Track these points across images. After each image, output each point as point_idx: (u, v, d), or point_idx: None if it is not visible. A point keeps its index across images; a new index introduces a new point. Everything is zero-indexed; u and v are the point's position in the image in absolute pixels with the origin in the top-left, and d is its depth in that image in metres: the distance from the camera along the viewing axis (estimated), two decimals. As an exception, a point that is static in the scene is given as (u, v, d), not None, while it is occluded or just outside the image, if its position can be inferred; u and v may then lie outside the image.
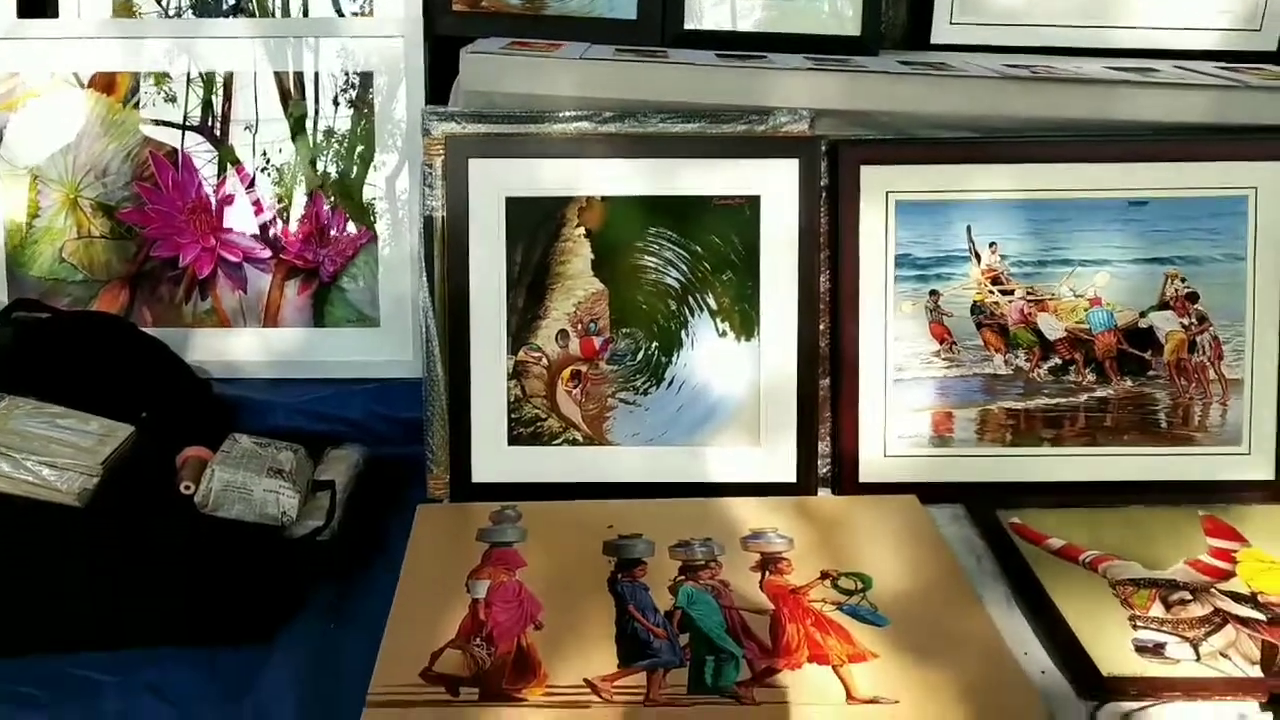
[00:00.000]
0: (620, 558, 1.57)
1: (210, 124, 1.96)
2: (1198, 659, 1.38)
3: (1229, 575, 1.54)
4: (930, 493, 1.74)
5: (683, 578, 1.53)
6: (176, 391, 1.81)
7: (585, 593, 1.50)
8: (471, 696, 1.31)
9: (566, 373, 1.79)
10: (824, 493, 1.79)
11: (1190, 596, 1.49)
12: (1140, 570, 1.55)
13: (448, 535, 1.65)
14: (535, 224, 1.77)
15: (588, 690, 1.32)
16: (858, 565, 1.56)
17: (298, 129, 1.96)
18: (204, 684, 1.37)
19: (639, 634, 1.42)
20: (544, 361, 1.79)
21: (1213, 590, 1.51)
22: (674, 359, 1.79)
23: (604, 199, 1.77)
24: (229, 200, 1.97)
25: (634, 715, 1.28)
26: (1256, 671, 1.36)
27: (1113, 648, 1.39)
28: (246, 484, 1.56)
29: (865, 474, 1.78)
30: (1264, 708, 1.30)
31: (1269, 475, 1.77)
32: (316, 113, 1.96)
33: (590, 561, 1.57)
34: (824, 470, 1.80)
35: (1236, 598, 1.49)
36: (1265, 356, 1.77)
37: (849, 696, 1.31)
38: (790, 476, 1.78)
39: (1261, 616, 1.45)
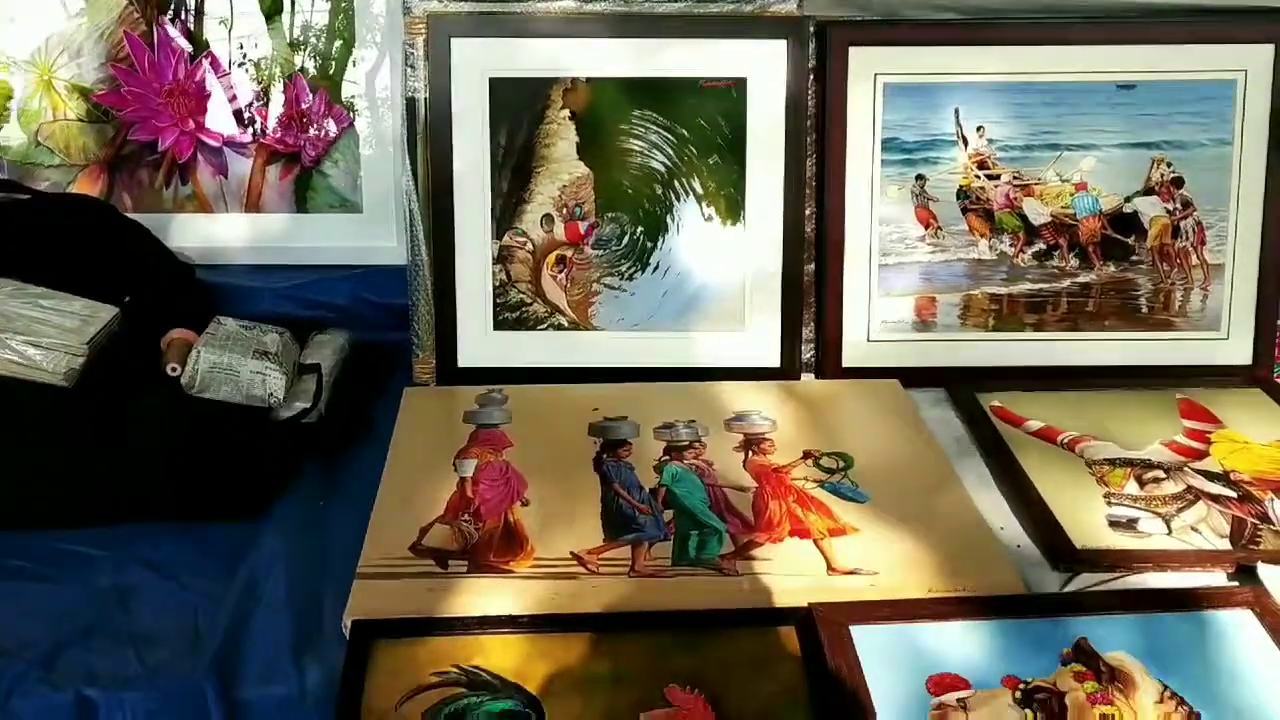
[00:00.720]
0: (605, 439, 1.59)
1: (184, 16, 1.91)
2: (1169, 533, 1.41)
3: (1203, 455, 1.57)
4: (913, 377, 1.76)
5: (667, 458, 1.55)
6: (158, 276, 1.80)
7: (571, 472, 1.52)
8: (460, 569, 1.33)
9: (551, 257, 1.79)
10: (807, 378, 1.80)
11: (1164, 475, 1.52)
12: (1117, 450, 1.58)
13: (434, 417, 1.66)
14: (519, 106, 1.75)
15: (574, 562, 1.34)
16: (840, 446, 1.58)
17: (274, 20, 1.91)
18: (196, 558, 1.39)
19: (624, 510, 1.44)
20: (529, 246, 1.79)
21: (1186, 469, 1.54)
22: (659, 244, 1.79)
23: (589, 80, 1.75)
24: (206, 90, 1.93)
25: (618, 586, 1.31)
26: (1225, 545, 1.40)
27: (1087, 523, 1.42)
28: (233, 365, 1.56)
29: (849, 359, 1.79)
30: (1231, 578, 1.33)
31: (1246, 360, 1.79)
32: (294, 7, 1.90)
33: (576, 443, 1.58)
34: (807, 356, 1.81)
35: (1209, 476, 1.52)
36: (1247, 242, 1.78)
37: (829, 568, 1.35)
38: (774, 361, 1.79)
39: (1232, 494, 1.49)
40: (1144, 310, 1.79)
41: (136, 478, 1.42)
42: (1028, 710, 1.13)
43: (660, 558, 1.36)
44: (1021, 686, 1.16)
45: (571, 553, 1.36)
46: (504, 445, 1.57)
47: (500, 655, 1.19)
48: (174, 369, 1.57)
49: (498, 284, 1.77)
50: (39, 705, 1.15)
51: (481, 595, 1.28)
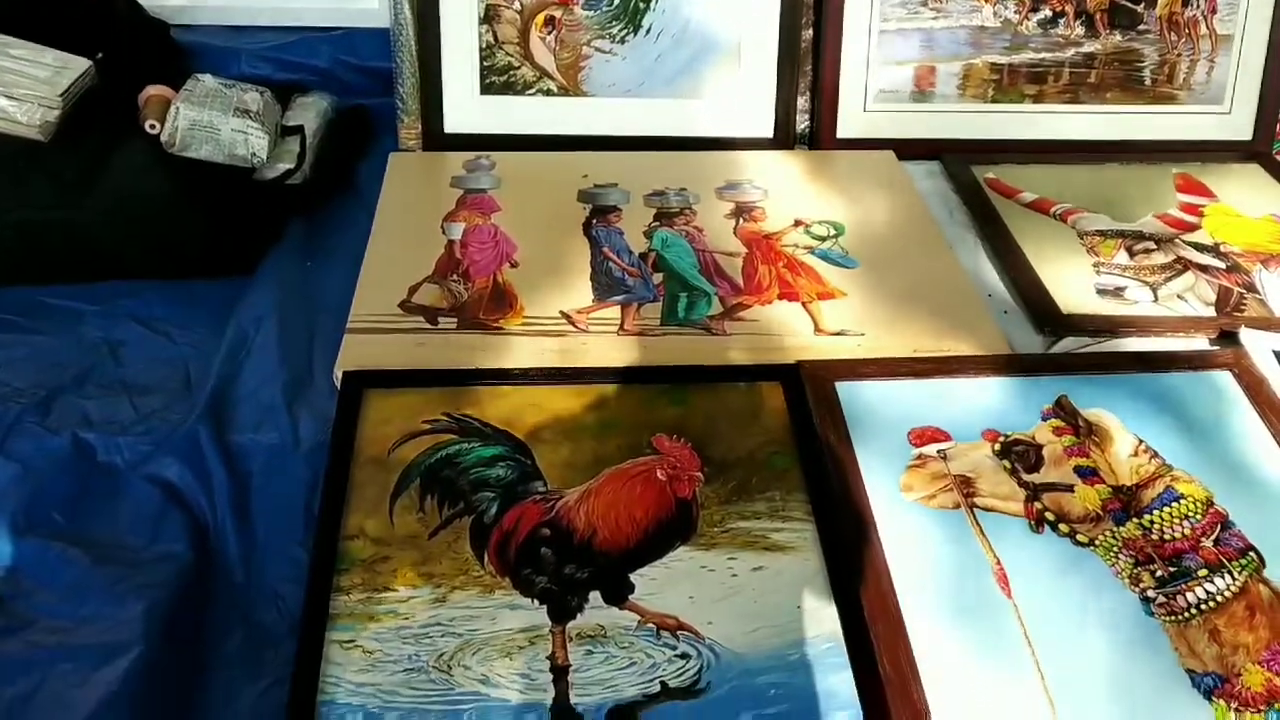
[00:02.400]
0: (595, 204, 1.57)
1: None
2: (1155, 300, 1.42)
3: (1195, 228, 1.57)
4: (908, 149, 1.73)
5: (657, 224, 1.54)
6: (132, 32, 1.73)
7: (560, 236, 1.51)
8: (450, 325, 1.33)
9: (540, 18, 1.72)
10: (801, 149, 1.77)
11: (1155, 246, 1.52)
12: (1109, 222, 1.57)
13: (421, 181, 1.64)
14: None
15: (563, 321, 1.35)
16: (831, 215, 1.57)
17: None
18: (185, 314, 1.39)
19: (613, 273, 1.44)
20: (516, 5, 1.71)
21: (1178, 241, 1.53)
22: (653, 5, 1.72)
23: None
24: None
25: (607, 344, 1.32)
26: (1210, 313, 1.41)
27: (1075, 290, 1.43)
28: (213, 123, 1.52)
29: (844, 129, 1.76)
30: (1213, 343, 1.34)
31: (1247, 135, 1.76)
32: None
33: (565, 208, 1.57)
34: (802, 127, 1.77)
35: (1199, 248, 1.52)
36: (1259, 13, 1.72)
37: (817, 329, 1.35)
38: (768, 131, 1.75)
39: (1221, 264, 1.49)
40: (1147, 83, 1.75)
41: (119, 231, 1.40)
42: (1005, 461, 1.16)
43: (649, 318, 1.36)
44: (1001, 439, 1.18)
45: (561, 312, 1.36)
46: (492, 210, 1.56)
47: (491, 405, 1.21)
48: (153, 126, 1.52)
49: (484, 46, 1.71)
50: (37, 447, 1.17)
51: (471, 350, 1.29)
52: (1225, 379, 1.27)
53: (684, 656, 0.99)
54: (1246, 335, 1.31)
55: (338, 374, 1.24)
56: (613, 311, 1.37)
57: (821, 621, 1.02)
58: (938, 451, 1.17)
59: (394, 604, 1.02)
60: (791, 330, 1.35)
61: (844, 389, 1.23)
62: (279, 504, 1.14)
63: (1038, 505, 1.12)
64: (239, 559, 1.10)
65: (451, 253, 1.46)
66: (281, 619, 1.05)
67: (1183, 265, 1.48)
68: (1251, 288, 1.45)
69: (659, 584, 1.05)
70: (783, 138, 1.75)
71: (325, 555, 1.05)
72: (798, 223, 1.55)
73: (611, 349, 1.31)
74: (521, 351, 1.29)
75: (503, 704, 0.95)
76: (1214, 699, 0.97)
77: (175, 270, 1.43)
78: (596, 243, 1.49)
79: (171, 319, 1.38)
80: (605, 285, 1.41)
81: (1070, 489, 1.13)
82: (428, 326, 1.33)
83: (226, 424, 1.21)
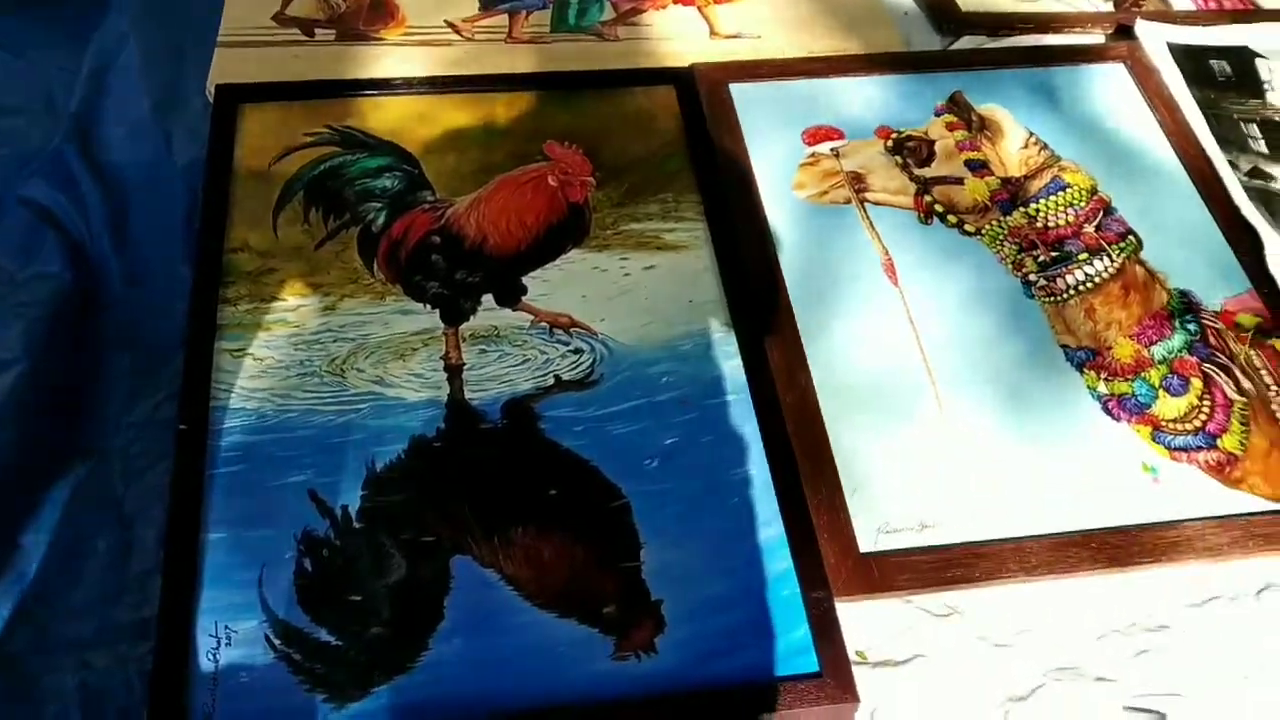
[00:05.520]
0: (480, -90, 1.48)
1: None
2: (1056, -4, 1.40)
3: (1100, -77, 1.52)
4: None
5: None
6: None
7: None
8: (328, 37, 1.27)
9: None
10: None
11: (1059, -57, 1.47)
12: (1014, -80, 1.52)
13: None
14: None
15: (448, 30, 1.29)
16: (729, -83, 1.50)
17: None
18: (44, 36, 1.30)
19: (500, -20, 1.36)
20: None
21: (1082, -63, 1.49)
22: None
23: None
24: None
25: (494, 52, 1.27)
26: (1109, 8, 1.39)
27: (976, -15, 1.40)
28: None
29: None
30: (1110, 38, 1.33)
31: None
32: None
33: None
34: None
35: (1103, -57, 1.48)
36: None
37: (712, 32, 1.31)
38: None
39: (1124, -40, 1.46)
40: None
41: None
42: (897, 157, 1.16)
43: (539, 25, 1.31)
44: (894, 136, 1.18)
45: (446, 21, 1.30)
46: (370, -83, 1.45)
47: (375, 116, 1.17)
48: None
49: None
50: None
51: (352, 62, 1.24)
52: (1119, 71, 1.27)
53: (577, 351, 1.00)
54: (1142, 27, 1.30)
55: (210, 88, 1.18)
56: (500, 19, 1.31)
57: (713, 314, 1.03)
58: (831, 149, 1.16)
59: (283, 313, 1.01)
60: (686, 34, 1.31)
61: (738, 90, 1.21)
62: (158, 222, 1.10)
63: (928, 198, 1.13)
64: (121, 277, 1.07)
65: (327, -37, 1.37)
66: (173, 334, 1.03)
67: (1085, -39, 1.45)
68: (1152, -18, 1.43)
69: (552, 285, 1.05)
70: None
71: (209, 268, 1.03)
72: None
73: (500, 57, 1.26)
74: (405, 62, 1.24)
75: (398, 401, 0.95)
76: (1085, 370, 1.02)
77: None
78: (483, -50, 1.41)
79: (30, 42, 1.28)
80: (493, -7, 1.35)
81: (960, 182, 1.14)
82: (304, 39, 1.26)
83: (96, 144, 1.15)
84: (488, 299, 1.03)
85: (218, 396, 0.94)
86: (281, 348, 0.98)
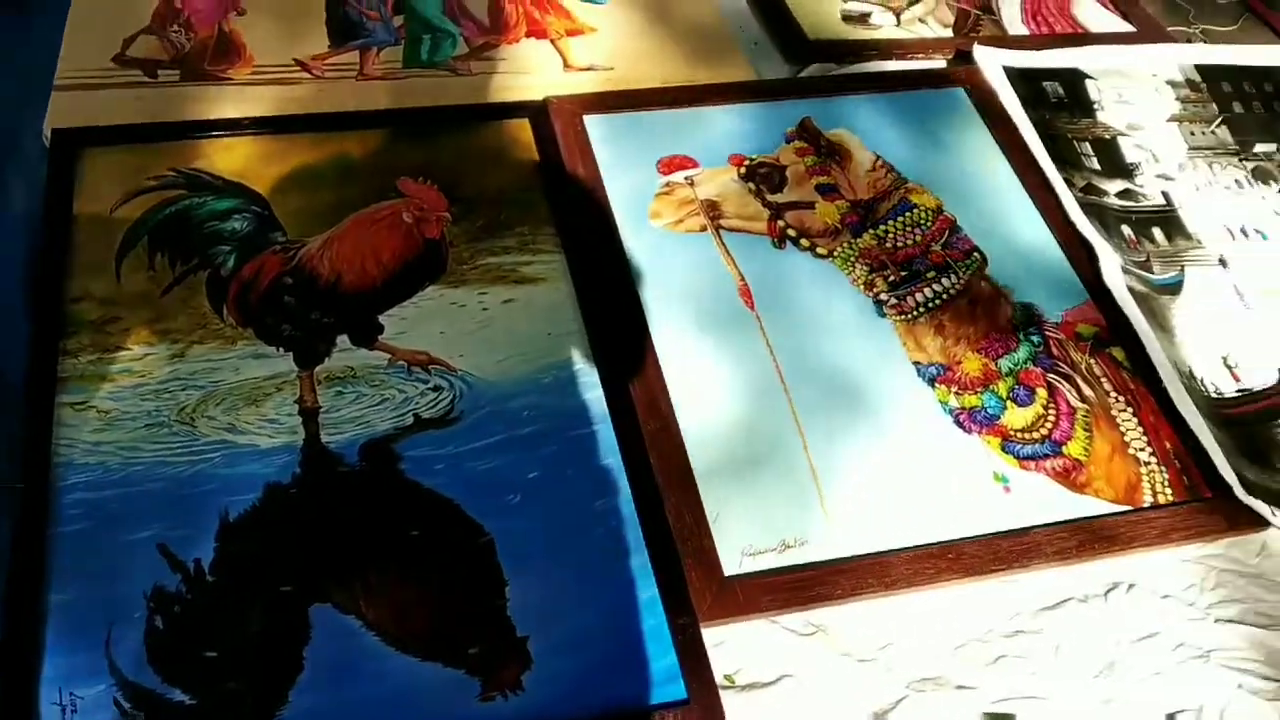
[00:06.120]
0: (329, -53, 1.46)
1: None
2: (898, 24, 1.44)
3: (938, -47, 1.58)
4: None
5: (398, -34, 1.44)
6: None
7: (292, -18, 1.40)
8: (172, 78, 1.24)
9: None
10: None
11: (900, -28, 1.53)
12: (857, -49, 1.57)
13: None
14: None
15: (297, 68, 1.27)
16: (581, -49, 1.51)
17: None
18: None
19: (350, 17, 1.35)
20: None
21: (921, -34, 1.55)
22: None
23: None
24: None
25: (346, 89, 1.25)
26: (949, 34, 1.44)
27: (822, 18, 1.44)
28: None
29: None
30: (951, 64, 1.38)
31: None
32: None
33: (296, -49, 1.45)
34: None
35: (942, -28, 1.54)
36: None
37: (566, 65, 1.32)
38: None
39: (961, -13, 1.52)
40: None
41: None
42: (750, 184, 1.18)
43: (391, 61, 1.30)
44: (747, 163, 1.20)
45: (295, 59, 1.28)
46: (214, -45, 1.43)
47: (223, 158, 1.14)
48: None
49: None
50: None
51: (197, 103, 1.21)
52: (959, 95, 1.32)
53: (436, 389, 0.99)
54: (979, 52, 1.35)
55: (47, 132, 1.14)
56: (351, 57, 1.30)
57: (573, 346, 1.03)
58: (685, 178, 1.18)
59: (129, 363, 0.98)
60: (540, 67, 1.31)
61: (592, 122, 1.22)
62: (-7, 274, 1.06)
63: (780, 223, 1.15)
64: (-46, 333, 1.02)
65: (170, 1, 1.34)
66: (13, 390, 0.99)
67: (925, -11, 1.50)
68: (988, 9, 1.49)
69: (409, 323, 1.03)
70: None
71: (48, 320, 0.99)
72: (546, -40, 1.49)
73: (351, 95, 1.25)
74: (254, 102, 1.22)
75: (252, 449, 0.93)
76: (936, 385, 1.05)
77: None
78: (333, -16, 1.40)
79: None
80: (342, 29, 1.33)
81: (811, 206, 1.17)
82: (147, 80, 1.23)
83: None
84: (343, 339, 1.02)
85: (59, 453, 0.91)
86: (127, 399, 0.95)
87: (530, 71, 1.30)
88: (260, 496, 0.90)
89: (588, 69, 1.31)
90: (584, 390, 1.00)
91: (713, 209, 1.15)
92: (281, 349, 1.00)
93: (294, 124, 1.19)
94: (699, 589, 0.88)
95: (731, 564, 0.90)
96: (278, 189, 1.12)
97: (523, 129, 1.21)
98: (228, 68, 1.26)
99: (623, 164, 1.18)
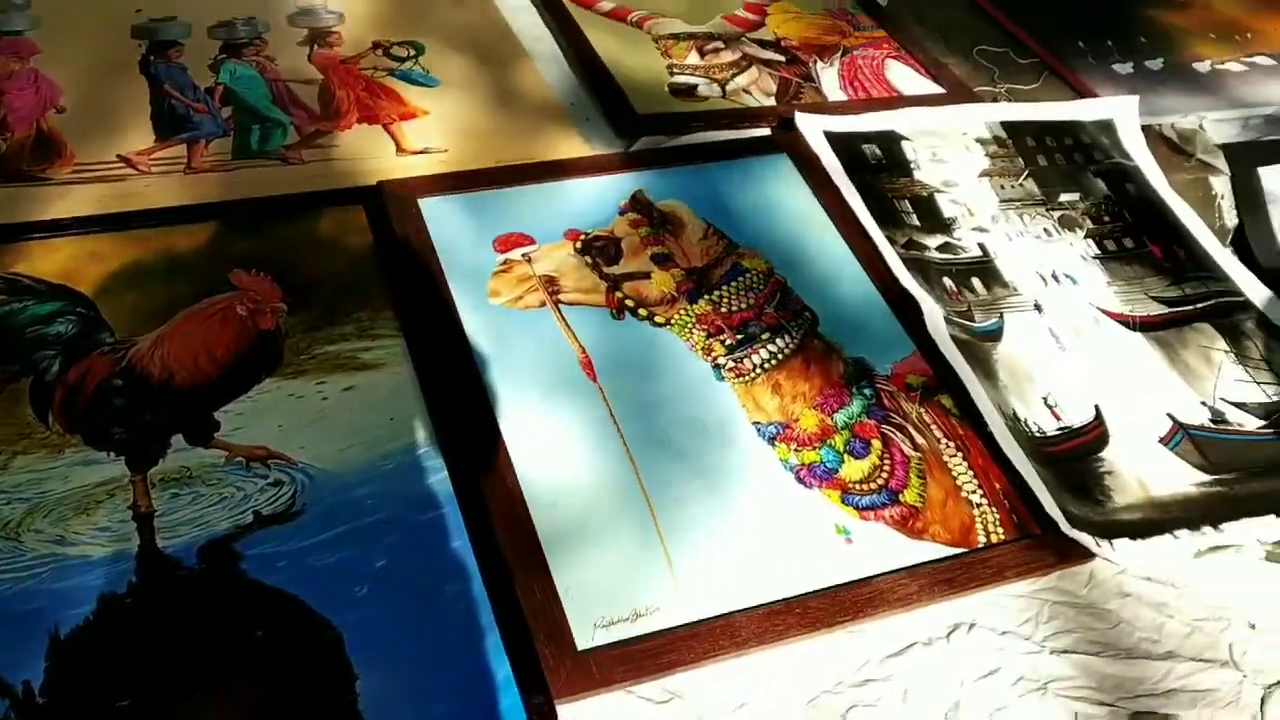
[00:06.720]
0: (153, 40, 1.45)
1: None
2: (724, 95, 1.50)
3: (759, 25, 1.65)
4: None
5: (224, 56, 1.44)
6: None
7: (114, 77, 1.38)
8: (-13, 180, 1.21)
9: None
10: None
11: (723, 45, 1.59)
12: (682, 25, 1.63)
13: (-59, 26, 1.44)
14: None
15: (122, 165, 1.25)
16: (411, 35, 1.53)
17: None
18: None
19: (176, 110, 1.34)
20: None
21: (743, 39, 1.61)
22: None
23: None
24: None
25: (173, 184, 1.24)
26: (772, 102, 1.50)
27: (651, 91, 1.48)
28: None
29: (420, -51, 1.70)
30: (774, 131, 1.44)
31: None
32: None
33: (118, 46, 1.43)
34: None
35: (763, 44, 1.61)
36: None
37: (399, 149, 1.33)
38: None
39: (781, 58, 1.58)
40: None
41: None
42: (587, 257, 1.20)
43: (219, 153, 1.29)
44: (582, 237, 1.22)
45: (119, 155, 1.26)
46: (31, 52, 1.40)
47: (45, 260, 1.11)
48: None
49: None
50: None
51: (15, 204, 1.18)
52: (784, 161, 1.37)
53: (276, 484, 0.97)
54: (801, 119, 1.41)
55: None
56: (178, 150, 1.28)
57: (415, 430, 1.03)
58: (522, 255, 1.19)
59: (-54, 480, 0.94)
60: (373, 152, 1.32)
61: (427, 205, 1.23)
62: None
63: (618, 294, 1.17)
64: None
65: (-15, 102, 1.31)
66: None
67: (748, 61, 1.56)
68: (808, 77, 1.55)
69: (246, 418, 1.02)
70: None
71: None
72: (376, 45, 1.50)
73: (179, 189, 1.23)
74: (75, 200, 1.19)
75: (83, 560, 0.90)
76: (776, 444, 1.08)
77: None
78: (156, 80, 1.38)
79: None
80: (168, 124, 1.32)
81: (648, 276, 1.19)
82: (-39, 185, 1.19)
83: None
84: (178, 439, 0.99)
85: None
86: (-56, 519, 0.91)
87: (364, 157, 1.31)
88: (94, 609, 0.87)
89: (422, 152, 1.33)
90: (429, 474, 1.00)
91: (551, 284, 1.17)
92: (112, 453, 0.98)
93: (120, 221, 1.17)
94: (553, 666, 0.88)
95: (584, 638, 0.91)
96: (105, 289, 1.09)
97: (357, 215, 1.22)
98: (47, 167, 1.23)
99: (460, 244, 1.19)
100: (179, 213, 1.19)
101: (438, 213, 1.22)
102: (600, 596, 0.94)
